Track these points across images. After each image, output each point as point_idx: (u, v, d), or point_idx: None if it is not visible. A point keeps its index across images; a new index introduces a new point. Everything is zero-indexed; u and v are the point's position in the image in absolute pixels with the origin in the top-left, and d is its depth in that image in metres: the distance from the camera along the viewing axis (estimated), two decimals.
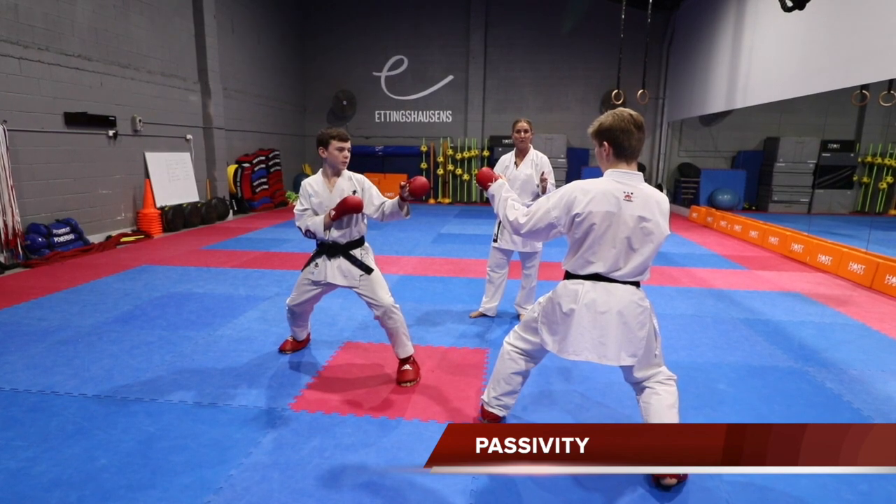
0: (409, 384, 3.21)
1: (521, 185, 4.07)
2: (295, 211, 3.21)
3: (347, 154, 3.12)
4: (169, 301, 4.79)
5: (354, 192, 3.12)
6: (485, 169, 2.67)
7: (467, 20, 13.90)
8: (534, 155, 4.11)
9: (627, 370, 2.38)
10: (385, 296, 3.19)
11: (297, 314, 3.49)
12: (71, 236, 6.74)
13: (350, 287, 3.20)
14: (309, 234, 3.16)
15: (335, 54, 14.52)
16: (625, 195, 2.11)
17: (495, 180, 2.58)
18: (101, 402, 2.92)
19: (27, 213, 6.36)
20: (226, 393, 3.04)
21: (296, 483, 2.25)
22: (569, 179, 13.64)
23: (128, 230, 8.01)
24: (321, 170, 3.23)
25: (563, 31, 13.63)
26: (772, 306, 5.02)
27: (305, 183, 3.21)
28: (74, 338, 3.85)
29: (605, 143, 2.17)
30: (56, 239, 6.50)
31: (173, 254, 6.89)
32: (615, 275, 2.19)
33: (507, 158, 4.22)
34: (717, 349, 3.89)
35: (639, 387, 2.40)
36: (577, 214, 2.14)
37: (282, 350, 3.67)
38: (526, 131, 4.03)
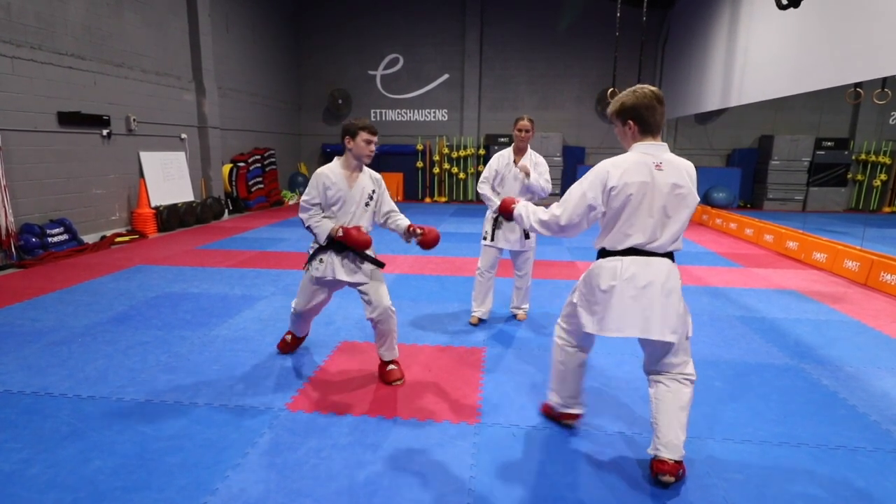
0: (398, 383, 3.19)
1: (518, 184, 4.04)
2: (302, 201, 3.05)
3: (374, 148, 3.03)
4: (164, 301, 4.76)
5: (374, 191, 3.09)
6: (504, 200, 2.69)
7: (463, 18, 13.88)
8: (531, 154, 4.08)
9: (653, 356, 2.36)
10: (386, 296, 3.17)
11: (305, 316, 3.40)
12: (65, 236, 6.69)
13: (356, 284, 3.13)
14: (308, 230, 3.07)
15: (330, 53, 14.48)
16: (655, 165, 2.16)
17: (511, 206, 2.62)
18: (95, 403, 2.90)
19: (21, 213, 6.31)
20: (222, 393, 3.03)
21: (292, 483, 2.24)
22: (564, 178, 13.68)
23: (122, 230, 7.96)
24: (339, 160, 3.08)
25: (558, 29, 13.63)
26: (767, 304, 5.04)
27: (322, 172, 3.03)
28: (69, 338, 3.83)
29: (630, 121, 2.20)
30: (50, 239, 6.46)
31: (168, 253, 6.86)
32: (652, 246, 2.20)
33: (506, 155, 4.09)
34: (713, 347, 3.90)
35: (656, 378, 2.37)
36: (612, 188, 2.16)
37: (280, 348, 3.63)
38: (528, 130, 3.98)
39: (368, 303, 3.16)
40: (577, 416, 2.70)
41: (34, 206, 6.55)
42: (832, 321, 4.57)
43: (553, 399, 2.71)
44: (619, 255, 2.24)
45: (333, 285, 3.21)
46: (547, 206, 2.45)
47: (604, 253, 2.30)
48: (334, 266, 3.10)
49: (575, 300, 2.42)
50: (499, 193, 4.08)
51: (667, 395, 2.32)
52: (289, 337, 3.62)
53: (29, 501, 2.10)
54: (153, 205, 8.43)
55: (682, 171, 2.20)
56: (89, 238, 7.26)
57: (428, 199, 14.33)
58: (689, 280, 5.87)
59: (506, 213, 2.64)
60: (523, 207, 2.55)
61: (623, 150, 2.29)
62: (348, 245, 3.01)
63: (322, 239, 3.04)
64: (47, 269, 5.91)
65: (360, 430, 2.67)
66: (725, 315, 4.66)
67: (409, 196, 14.57)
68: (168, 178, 8.99)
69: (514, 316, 4.47)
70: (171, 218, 8.67)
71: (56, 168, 6.86)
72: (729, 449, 2.56)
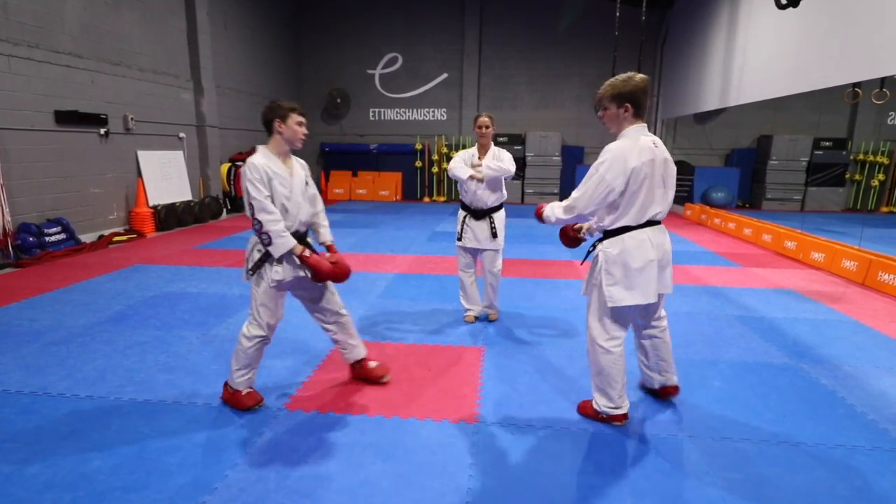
0: (386, 379, 3.20)
1: (484, 181, 4.00)
2: (253, 200, 2.59)
3: (306, 131, 2.78)
4: (162, 301, 4.75)
5: (307, 182, 2.85)
6: (538, 212, 2.85)
7: (462, 17, 13.87)
8: (495, 150, 4.05)
9: (649, 313, 2.76)
10: (339, 298, 3.08)
11: (269, 337, 2.85)
12: (62, 236, 6.68)
13: (302, 291, 2.92)
14: (265, 237, 2.62)
15: (329, 52, 14.46)
16: (653, 143, 2.47)
17: (579, 231, 2.87)
18: (94, 402, 2.90)
19: (18, 212, 6.30)
20: (220, 393, 3.02)
21: (292, 483, 2.24)
22: (563, 177, 13.67)
23: (120, 229, 7.95)
24: (267, 148, 2.73)
25: (558, 29, 13.63)
26: (766, 303, 5.05)
27: (260, 163, 2.62)
28: (67, 338, 3.82)
29: (628, 104, 2.44)
30: (47, 238, 6.44)
31: (166, 253, 6.84)
32: (662, 214, 2.53)
33: (470, 153, 4.09)
34: (711, 346, 3.90)
35: (649, 332, 2.81)
36: (635, 168, 2.39)
37: (239, 402, 2.87)
38: (487, 126, 3.98)
39: (323, 309, 3.01)
40: (626, 415, 2.74)
41: (31, 205, 6.53)
42: (830, 321, 4.58)
43: (604, 404, 2.71)
44: (639, 228, 2.49)
45: (293, 287, 2.88)
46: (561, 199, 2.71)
47: (622, 230, 2.50)
48: (297, 268, 2.80)
49: (606, 297, 2.53)
50: (466, 192, 4.09)
51: (664, 338, 2.84)
52: (246, 390, 2.87)
53: (27, 501, 2.10)
54: (151, 204, 8.41)
55: (663, 147, 2.54)
56: (87, 237, 7.24)
57: (427, 199, 14.32)
58: (687, 280, 5.88)
59: (538, 213, 2.83)
60: (549, 209, 2.73)
61: (610, 135, 2.55)
62: (314, 276, 2.74)
63: (279, 254, 2.65)
64: (45, 268, 5.89)
65: (358, 430, 2.67)
66: (724, 314, 4.66)
67: (408, 196, 14.56)
68: (166, 178, 8.97)
69: (487, 317, 4.39)
70: (169, 217, 8.65)
71: (53, 167, 6.84)
72: (727, 448, 2.56)
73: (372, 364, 3.21)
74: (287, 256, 2.70)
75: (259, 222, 2.60)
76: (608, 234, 2.56)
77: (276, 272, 2.70)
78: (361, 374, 3.22)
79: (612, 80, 2.49)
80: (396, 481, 2.27)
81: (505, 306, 4.71)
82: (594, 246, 2.68)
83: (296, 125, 2.72)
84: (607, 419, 2.74)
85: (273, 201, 2.65)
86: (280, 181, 2.67)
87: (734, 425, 2.77)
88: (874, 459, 2.48)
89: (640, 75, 2.47)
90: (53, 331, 3.96)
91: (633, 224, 2.48)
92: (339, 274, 2.83)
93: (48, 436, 2.56)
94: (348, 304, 4.69)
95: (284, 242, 2.63)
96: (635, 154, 2.39)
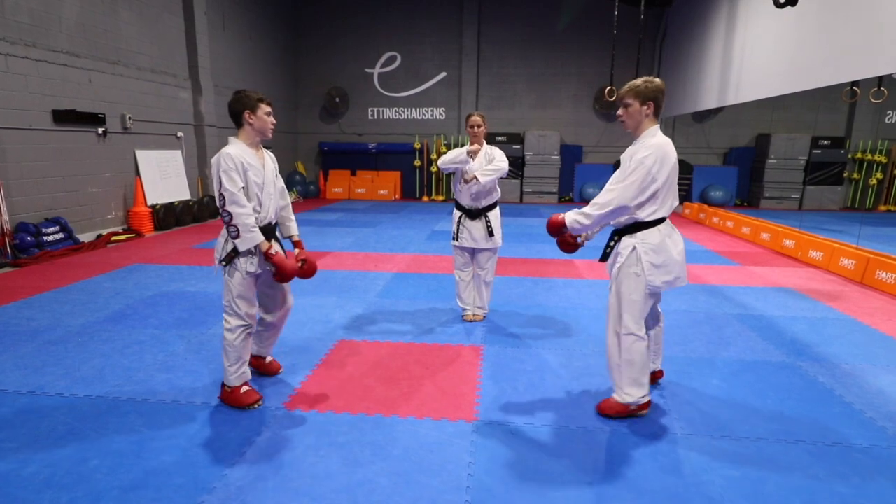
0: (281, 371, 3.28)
1: (473, 182, 3.98)
2: (225, 190, 2.57)
3: (275, 120, 2.78)
4: (161, 300, 4.75)
5: (277, 175, 2.87)
6: (550, 226, 2.79)
7: (460, 17, 13.86)
8: (487, 149, 4.05)
9: (656, 305, 2.91)
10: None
11: (250, 326, 2.84)
12: (60, 235, 6.67)
13: (265, 287, 2.95)
14: (233, 230, 2.61)
15: (327, 51, 14.44)
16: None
17: (558, 220, 2.76)
18: (92, 402, 2.89)
19: (16, 211, 6.28)
20: (219, 392, 3.01)
21: (290, 482, 2.24)
22: (562, 176, 13.68)
23: (118, 229, 7.93)
24: (238, 139, 2.73)
25: (557, 29, 13.62)
26: (764, 302, 5.05)
27: (234, 153, 2.62)
28: (65, 338, 3.81)
29: (651, 102, 2.58)
30: (45, 238, 6.43)
31: (165, 252, 6.84)
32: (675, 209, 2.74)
33: (461, 153, 4.06)
34: (710, 345, 3.91)
35: (656, 314, 2.94)
36: (674, 164, 2.58)
37: (238, 401, 2.86)
38: (479, 126, 3.98)
39: (273, 303, 3.01)
40: (650, 402, 2.84)
41: (29, 204, 6.52)
42: (828, 319, 4.59)
43: (637, 395, 2.73)
44: (661, 222, 2.64)
45: (262, 279, 2.89)
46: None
47: (653, 223, 2.63)
48: (261, 259, 2.80)
49: (648, 283, 2.64)
50: (460, 191, 4.08)
51: (660, 329, 3.01)
52: (244, 388, 2.86)
53: (25, 501, 2.09)
54: (149, 203, 8.40)
55: None
56: (85, 237, 7.23)
57: (426, 198, 14.32)
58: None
59: (557, 230, 2.77)
60: (570, 216, 2.70)
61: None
62: (276, 275, 2.76)
63: (245, 248, 2.65)
64: (43, 268, 5.88)
65: (357, 429, 2.66)
66: (722, 313, 4.67)
67: (407, 195, 14.56)
68: (164, 177, 8.96)
69: (472, 318, 4.34)
70: (168, 216, 8.64)
71: (51, 166, 6.83)
72: (725, 446, 2.56)
73: (270, 360, 3.29)
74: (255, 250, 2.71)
75: (229, 214, 2.59)
76: (637, 226, 2.65)
77: (251, 264, 2.73)
78: (262, 370, 3.25)
79: (633, 81, 2.62)
80: (395, 480, 2.27)
81: (503, 305, 4.71)
82: (614, 241, 2.75)
83: (265, 115, 2.72)
84: (636, 409, 2.78)
85: (247, 193, 2.65)
86: (254, 172, 2.68)
87: (732, 423, 2.78)
88: (872, 458, 2.49)
89: (655, 78, 2.64)
90: (51, 330, 3.95)
91: (666, 215, 2.66)
92: (306, 273, 2.92)
93: (46, 435, 2.56)
94: (347, 303, 4.72)
95: (253, 237, 2.64)
96: (671, 151, 2.57)
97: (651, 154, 2.53)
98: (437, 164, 4.15)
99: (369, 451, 2.47)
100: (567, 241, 2.93)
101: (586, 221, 2.65)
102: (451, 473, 2.32)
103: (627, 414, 2.78)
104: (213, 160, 2.67)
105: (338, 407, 2.89)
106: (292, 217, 3.06)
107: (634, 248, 2.65)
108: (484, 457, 2.45)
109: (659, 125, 2.65)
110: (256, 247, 2.69)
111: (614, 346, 2.74)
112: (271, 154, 2.93)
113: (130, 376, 3.21)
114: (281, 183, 2.93)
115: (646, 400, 2.77)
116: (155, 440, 2.53)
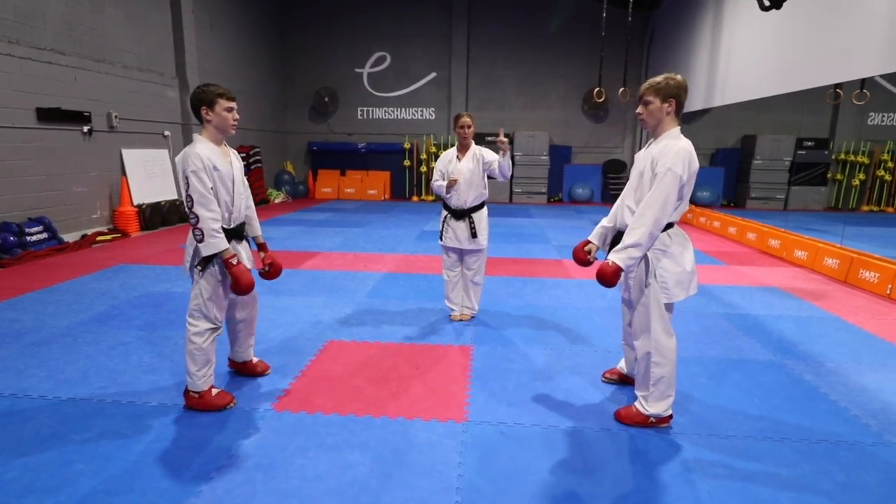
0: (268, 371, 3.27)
1: (465, 180, 4.01)
2: (193, 191, 2.49)
3: (237, 116, 2.67)
4: (147, 301, 4.69)
5: (246, 174, 2.84)
6: (606, 275, 2.45)
7: (450, 17, 13.87)
8: (476, 149, 4.09)
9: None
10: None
11: (218, 330, 2.80)
12: (44, 235, 6.56)
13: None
14: (198, 233, 2.54)
15: (316, 51, 14.37)
16: None
17: (612, 269, 2.44)
18: (76, 405, 2.85)
19: None
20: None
21: (279, 484, 2.22)
22: (551, 177, 13.73)
23: (104, 228, 7.82)
24: (202, 138, 2.65)
25: (547, 31, 13.68)
26: (750, 301, 5.11)
27: (201, 152, 2.53)
28: (49, 339, 3.75)
29: (673, 99, 2.49)
30: (29, 238, 6.32)
31: (151, 252, 6.75)
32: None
33: (450, 154, 4.14)
34: (697, 343, 3.94)
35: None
36: (696, 170, 2.47)
37: (205, 404, 2.82)
38: (469, 126, 4.00)
39: (244, 301, 3.01)
40: (672, 416, 2.76)
41: (12, 203, 6.41)
42: (813, 317, 4.65)
43: (666, 404, 2.68)
44: (670, 227, 2.55)
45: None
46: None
47: (667, 227, 2.53)
48: (240, 256, 2.76)
49: (667, 285, 2.54)
50: (450, 197, 4.09)
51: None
52: (214, 390, 2.81)
53: None
54: (136, 203, 8.30)
55: None
56: (70, 237, 7.12)
57: (415, 198, 14.30)
58: None
59: (615, 278, 2.45)
60: (622, 258, 2.44)
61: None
62: (232, 286, 2.65)
63: (208, 253, 2.57)
64: (26, 268, 5.78)
65: (347, 430, 2.65)
66: (709, 312, 4.71)
67: (397, 195, 14.53)
68: (151, 176, 8.86)
69: (460, 318, 4.34)
70: (154, 216, 8.54)
71: (35, 165, 6.72)
72: (713, 444, 2.58)
73: (255, 360, 3.28)
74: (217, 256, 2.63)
75: (196, 217, 2.51)
76: None
77: (218, 269, 2.70)
78: (249, 371, 3.23)
79: (653, 78, 2.53)
80: (385, 481, 2.26)
81: (492, 305, 4.71)
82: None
83: (224, 111, 2.60)
84: (669, 419, 2.72)
85: (216, 193, 2.58)
86: (224, 171, 2.62)
87: (719, 421, 2.80)
88: (856, 454, 2.52)
89: (681, 76, 2.51)
90: (35, 331, 3.88)
91: (676, 220, 2.57)
92: (271, 276, 3.03)
93: (29, 439, 2.51)
94: (336, 303, 4.69)
95: (217, 243, 2.55)
96: (695, 156, 2.48)
97: (680, 161, 2.41)
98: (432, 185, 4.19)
99: (358, 453, 2.46)
100: (578, 257, 2.88)
101: (638, 254, 2.47)
102: (440, 474, 2.31)
103: (649, 425, 2.73)
104: (178, 159, 2.56)
105: (327, 408, 2.87)
106: (255, 217, 3.05)
107: (645, 256, 2.57)
108: (474, 457, 2.44)
109: (678, 122, 2.53)
110: (218, 253, 2.60)
111: (656, 357, 2.63)
112: (235, 152, 2.87)
113: (115, 378, 3.17)
114: (245, 181, 2.90)
115: (670, 413, 2.73)
116: (140, 443, 2.49)
